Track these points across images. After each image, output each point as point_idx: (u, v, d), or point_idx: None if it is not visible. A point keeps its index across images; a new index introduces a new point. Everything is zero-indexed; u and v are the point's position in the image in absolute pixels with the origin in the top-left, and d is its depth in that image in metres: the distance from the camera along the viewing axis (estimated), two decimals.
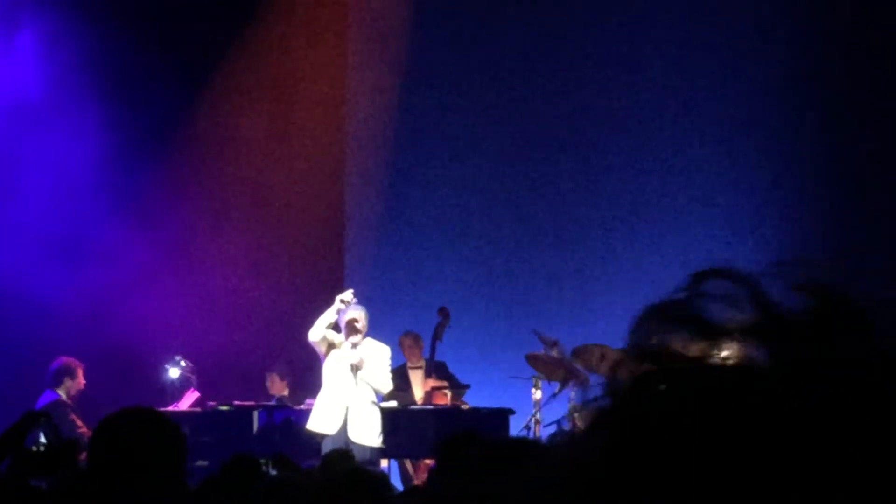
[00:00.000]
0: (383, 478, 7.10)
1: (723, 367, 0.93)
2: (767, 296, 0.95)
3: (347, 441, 11.18)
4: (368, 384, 11.46)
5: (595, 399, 0.95)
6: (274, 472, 8.24)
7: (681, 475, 0.89)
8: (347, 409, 11.38)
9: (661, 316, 0.96)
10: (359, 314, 11.52)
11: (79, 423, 11.76)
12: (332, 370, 11.58)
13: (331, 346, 11.57)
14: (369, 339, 11.58)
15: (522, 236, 15.64)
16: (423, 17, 15.74)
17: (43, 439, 6.99)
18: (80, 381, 12.20)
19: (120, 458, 3.45)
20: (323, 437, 11.41)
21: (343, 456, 8.47)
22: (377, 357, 11.54)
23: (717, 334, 0.94)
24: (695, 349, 0.95)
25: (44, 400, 11.96)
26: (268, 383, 13.94)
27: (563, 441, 1.00)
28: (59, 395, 12.07)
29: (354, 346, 11.45)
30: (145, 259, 14.47)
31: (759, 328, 0.94)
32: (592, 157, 15.60)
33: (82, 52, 14.32)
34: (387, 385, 11.65)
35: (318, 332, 11.53)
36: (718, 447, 0.89)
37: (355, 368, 11.38)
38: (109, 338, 13.88)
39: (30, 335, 13.73)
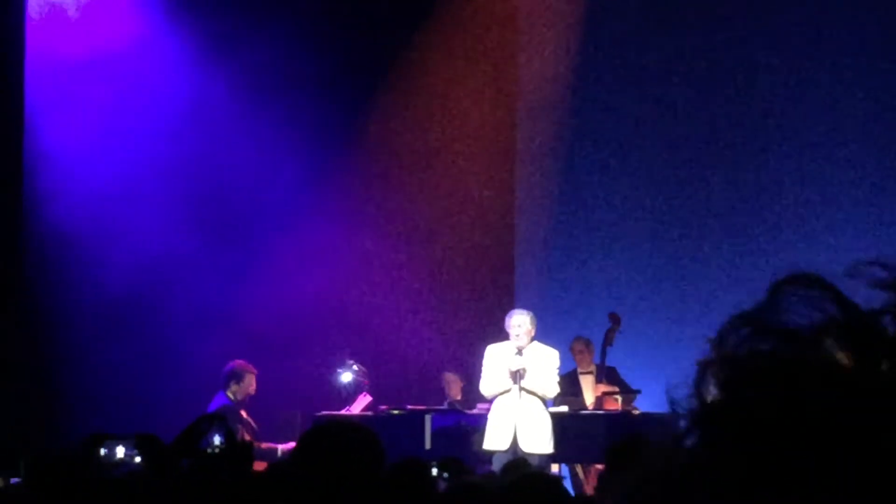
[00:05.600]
0: (558, 481, 7.08)
1: (809, 371, 0.95)
2: (848, 298, 0.97)
3: (517, 451, 11.17)
4: (533, 391, 11.41)
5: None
6: (446, 476, 8.28)
7: (770, 478, 0.91)
8: (516, 423, 11.37)
9: (748, 323, 0.99)
10: (524, 319, 11.49)
11: (242, 431, 11.62)
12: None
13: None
14: (537, 343, 11.54)
15: (694, 239, 15.41)
16: (594, 16, 15.59)
17: (217, 441, 7.11)
18: (249, 386, 12.17)
19: (321, 469, 3.48)
20: (495, 452, 11.41)
21: (520, 463, 8.50)
22: (545, 361, 11.48)
23: (803, 338, 0.96)
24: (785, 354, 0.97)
25: (215, 403, 12.06)
26: (444, 384, 13.97)
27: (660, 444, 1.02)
28: (229, 399, 12.12)
29: (520, 350, 11.42)
30: (331, 262, 14.68)
31: (842, 330, 0.96)
32: (770, 155, 15.22)
33: (258, 56, 14.42)
34: (552, 390, 11.59)
35: (491, 392, 11.57)
36: (808, 449, 0.92)
37: (517, 377, 11.35)
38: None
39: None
